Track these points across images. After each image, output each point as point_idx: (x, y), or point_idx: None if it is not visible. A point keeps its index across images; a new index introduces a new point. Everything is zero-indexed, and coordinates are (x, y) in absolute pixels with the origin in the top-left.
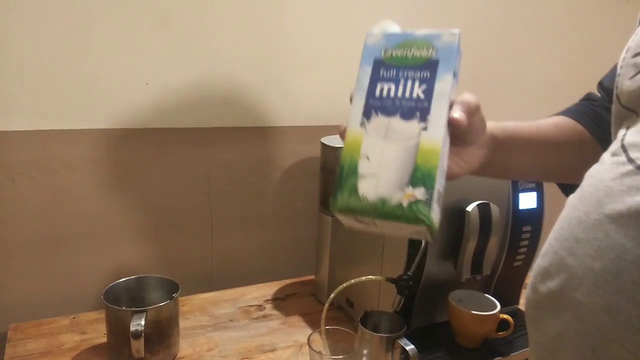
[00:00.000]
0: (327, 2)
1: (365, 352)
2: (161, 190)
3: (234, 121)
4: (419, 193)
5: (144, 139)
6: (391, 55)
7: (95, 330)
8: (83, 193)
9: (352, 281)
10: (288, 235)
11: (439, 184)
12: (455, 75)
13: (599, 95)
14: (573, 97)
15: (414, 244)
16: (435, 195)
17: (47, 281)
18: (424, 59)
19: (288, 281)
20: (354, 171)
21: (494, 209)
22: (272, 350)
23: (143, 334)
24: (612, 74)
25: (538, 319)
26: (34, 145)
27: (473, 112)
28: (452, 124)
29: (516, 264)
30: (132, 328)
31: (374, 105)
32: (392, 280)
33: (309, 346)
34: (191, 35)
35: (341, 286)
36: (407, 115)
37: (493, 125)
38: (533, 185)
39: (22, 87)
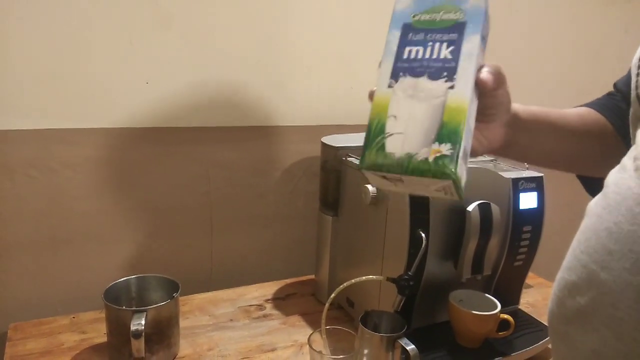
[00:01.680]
0: (329, 2)
1: (365, 352)
2: (161, 190)
3: (234, 121)
4: (445, 148)
5: (144, 139)
6: (420, 19)
7: (95, 330)
8: (83, 192)
9: (353, 281)
10: (288, 235)
11: (465, 141)
12: (483, 38)
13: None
14: (573, 97)
15: (414, 244)
16: (461, 151)
17: (47, 280)
18: (452, 21)
19: (288, 281)
20: (381, 130)
21: (495, 208)
22: (272, 350)
23: (143, 334)
24: (627, 77)
25: (567, 334)
26: (34, 144)
27: (500, 80)
28: (479, 84)
29: (517, 264)
30: (132, 328)
31: (402, 68)
32: (393, 280)
33: (310, 346)
34: (192, 35)
35: (342, 286)
36: (434, 75)
37: (517, 105)
38: (533, 185)
39: (22, 86)
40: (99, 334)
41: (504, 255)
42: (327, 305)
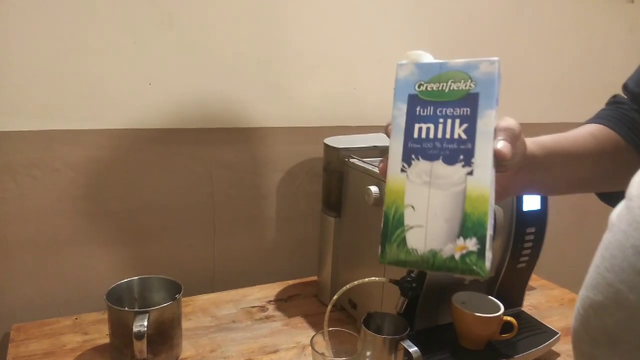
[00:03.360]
0: (331, 4)
1: (368, 353)
2: (164, 191)
3: (237, 122)
4: (471, 244)
5: (147, 140)
6: (426, 89)
7: (98, 331)
8: (86, 193)
9: (356, 282)
10: (290, 236)
11: (490, 228)
12: (496, 102)
13: (625, 97)
14: (576, 96)
15: None
16: (488, 242)
17: (50, 282)
18: (462, 92)
19: (291, 282)
20: (400, 221)
21: (498, 210)
22: (275, 351)
23: (146, 335)
24: (636, 76)
25: (593, 355)
26: (37, 145)
27: (517, 142)
28: (497, 156)
29: (520, 265)
30: (134, 329)
31: (414, 149)
32: (396, 282)
33: (312, 347)
34: (195, 36)
35: (344, 287)
36: (450, 159)
37: (531, 143)
38: None
39: (25, 87)
40: (102, 335)
41: (507, 257)
42: (329, 306)
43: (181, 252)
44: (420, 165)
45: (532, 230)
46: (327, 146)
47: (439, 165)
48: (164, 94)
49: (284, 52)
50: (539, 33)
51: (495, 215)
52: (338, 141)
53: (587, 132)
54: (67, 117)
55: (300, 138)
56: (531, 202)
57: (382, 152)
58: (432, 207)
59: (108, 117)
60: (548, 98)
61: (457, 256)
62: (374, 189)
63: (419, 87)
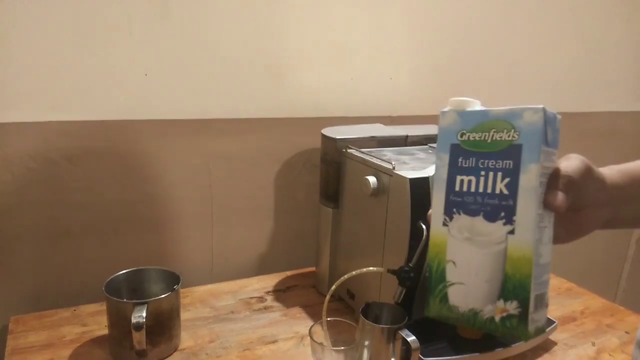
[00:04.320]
0: None
1: (366, 343)
2: (161, 182)
3: (234, 112)
4: (512, 307)
5: (143, 131)
6: (468, 139)
7: (97, 322)
8: (83, 185)
9: (354, 273)
10: (289, 227)
11: (537, 289)
12: (549, 145)
13: None
14: (574, 86)
15: (415, 236)
16: (531, 305)
17: (48, 273)
18: (505, 143)
19: (289, 273)
20: (442, 277)
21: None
22: (274, 341)
23: (144, 326)
24: None
25: None
26: (33, 137)
27: (577, 184)
28: (548, 206)
29: None
30: (133, 320)
31: (455, 203)
32: (394, 272)
33: (311, 337)
34: (191, 25)
35: (342, 278)
36: (491, 215)
37: (615, 174)
38: None
39: (21, 79)
40: (100, 327)
41: None
42: (328, 296)
43: (179, 243)
44: (462, 220)
45: None
46: (324, 137)
47: (480, 222)
48: (160, 85)
49: (281, 42)
50: (536, 24)
51: (548, 275)
52: (336, 132)
53: None
54: (63, 109)
55: (297, 129)
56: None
57: (379, 142)
58: (473, 266)
59: (104, 108)
60: (546, 89)
61: (497, 318)
62: (371, 179)
63: (461, 136)
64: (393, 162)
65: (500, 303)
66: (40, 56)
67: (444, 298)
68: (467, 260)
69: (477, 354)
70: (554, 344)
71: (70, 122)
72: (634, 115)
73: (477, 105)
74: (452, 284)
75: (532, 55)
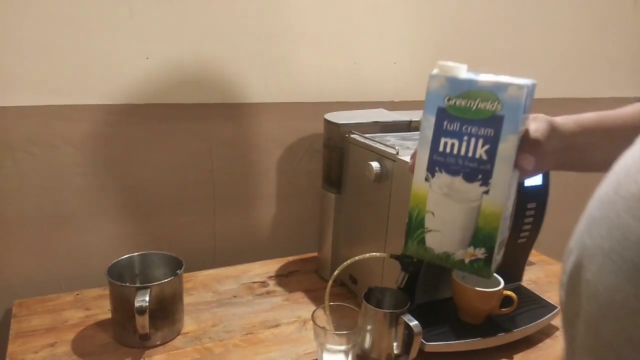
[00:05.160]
0: None
1: (369, 328)
2: (164, 167)
3: (236, 97)
4: (480, 252)
5: (145, 115)
6: (454, 104)
7: (100, 307)
8: (85, 169)
9: (357, 258)
10: (291, 212)
11: (501, 236)
12: (522, 124)
13: None
14: (580, 71)
15: None
16: (496, 250)
17: (51, 258)
18: (488, 112)
19: (291, 258)
20: (420, 223)
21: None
22: (276, 325)
23: (148, 310)
24: None
25: (562, 299)
26: (35, 121)
27: (543, 145)
28: (518, 168)
29: (520, 241)
30: (136, 304)
31: (438, 162)
32: (396, 257)
33: (313, 322)
34: (193, 9)
35: (345, 263)
36: (469, 177)
37: (569, 123)
38: None
39: (21, 62)
40: (103, 311)
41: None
42: (330, 281)
43: (182, 228)
44: (442, 178)
45: (533, 205)
46: (327, 122)
47: (459, 181)
48: (161, 69)
49: (284, 26)
50: (542, 8)
51: (509, 222)
52: (338, 117)
53: (636, 109)
54: (64, 93)
55: (300, 114)
56: (533, 178)
57: (382, 127)
58: (449, 217)
59: (106, 92)
60: (552, 73)
61: (466, 261)
62: (374, 164)
63: (448, 100)
64: (396, 147)
65: (470, 249)
66: (41, 40)
67: (422, 241)
68: (445, 213)
69: (478, 338)
70: (556, 328)
71: (71, 106)
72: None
73: (464, 71)
74: (430, 230)
75: (536, 40)
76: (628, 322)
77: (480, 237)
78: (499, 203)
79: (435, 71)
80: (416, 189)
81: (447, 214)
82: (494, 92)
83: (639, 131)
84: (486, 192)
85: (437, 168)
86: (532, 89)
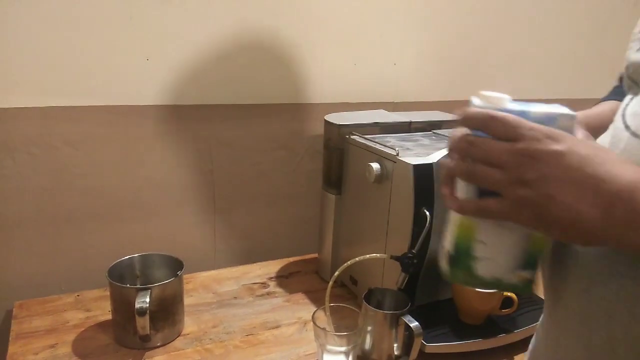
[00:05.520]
0: None
1: (369, 328)
2: (164, 168)
3: (237, 98)
4: (529, 274)
5: (146, 116)
6: None
7: (100, 308)
8: (85, 170)
9: (357, 259)
10: (291, 214)
11: None
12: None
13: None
14: (581, 71)
15: (418, 222)
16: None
17: (51, 259)
18: None
19: (291, 259)
20: (468, 252)
21: None
22: (277, 327)
23: (148, 311)
24: None
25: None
26: (35, 122)
27: None
28: None
29: None
30: (137, 305)
31: (487, 192)
32: (397, 258)
33: (314, 323)
34: (193, 10)
35: (346, 264)
36: None
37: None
38: None
39: (22, 64)
40: (104, 312)
41: None
42: (331, 282)
43: (182, 229)
44: None
45: None
46: (327, 123)
47: None
48: (162, 70)
49: (284, 28)
50: (542, 9)
51: None
52: (339, 118)
53: (609, 109)
54: (64, 94)
55: (300, 115)
56: None
57: (383, 128)
58: (502, 245)
59: (106, 93)
60: (553, 73)
61: (518, 283)
62: (375, 165)
63: None
64: (397, 149)
65: (520, 272)
66: (41, 41)
67: (470, 269)
68: (497, 241)
69: (479, 339)
70: None
71: (71, 107)
72: None
73: (508, 102)
74: (480, 259)
75: (537, 41)
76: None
77: (529, 259)
78: None
79: (477, 102)
80: (463, 220)
81: (500, 242)
82: (545, 123)
83: None
84: None
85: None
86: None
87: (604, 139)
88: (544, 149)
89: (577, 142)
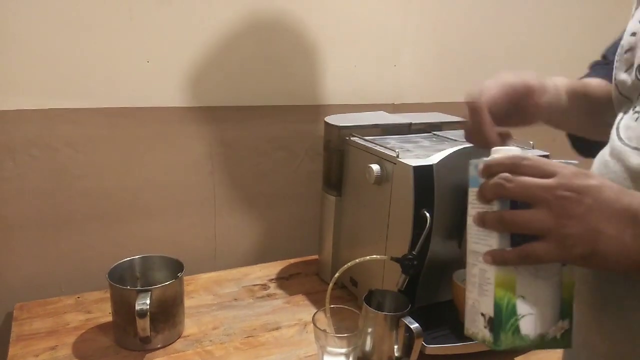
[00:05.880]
0: None
1: (369, 330)
2: (164, 169)
3: (237, 100)
4: (567, 323)
5: (146, 118)
6: None
7: (100, 310)
8: (86, 172)
9: (357, 260)
10: (291, 215)
11: None
12: None
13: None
14: (578, 70)
15: (419, 224)
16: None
17: (52, 261)
18: None
19: (292, 261)
20: (513, 312)
21: None
22: (277, 328)
23: (148, 313)
24: (614, 47)
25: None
26: (36, 124)
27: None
28: None
29: None
30: (137, 307)
31: (519, 243)
32: (397, 260)
33: (314, 324)
34: (193, 12)
35: (346, 265)
36: None
37: (562, 87)
38: None
39: (22, 66)
40: (104, 314)
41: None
42: (331, 284)
43: (182, 231)
44: None
45: None
46: (327, 124)
47: None
48: (162, 72)
49: (284, 29)
50: (542, 8)
51: None
52: (339, 119)
53: (601, 83)
54: (65, 96)
55: (300, 116)
56: None
57: (383, 130)
58: (540, 297)
59: (106, 95)
60: (552, 73)
61: (558, 336)
62: (375, 167)
63: None
64: (397, 150)
65: (560, 323)
66: (42, 43)
67: (516, 330)
68: (535, 293)
69: None
70: None
71: (72, 109)
72: None
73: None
74: (523, 316)
75: (536, 40)
76: None
77: (565, 308)
78: (573, 273)
79: (496, 154)
80: (502, 277)
81: (537, 294)
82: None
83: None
84: (563, 264)
85: None
86: None
87: (602, 152)
88: (584, 183)
89: (603, 178)
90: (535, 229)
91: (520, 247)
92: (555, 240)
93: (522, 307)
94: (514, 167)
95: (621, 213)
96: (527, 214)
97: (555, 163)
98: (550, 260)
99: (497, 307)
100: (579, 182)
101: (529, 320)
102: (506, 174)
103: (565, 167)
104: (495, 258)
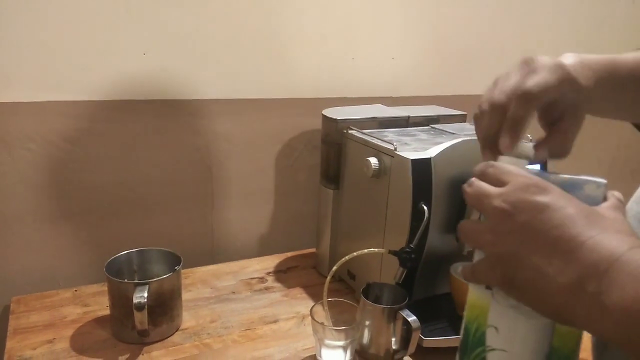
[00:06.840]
0: None
1: (367, 323)
2: (162, 163)
3: (234, 93)
4: None
5: (143, 111)
6: None
7: (98, 303)
8: (83, 166)
9: (355, 254)
10: (289, 208)
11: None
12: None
13: None
14: None
15: (416, 217)
16: None
17: (49, 254)
18: None
19: (289, 254)
20: (481, 340)
21: None
22: (275, 321)
23: (146, 306)
24: None
25: None
26: (31, 117)
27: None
28: None
29: None
30: (135, 300)
31: None
32: (395, 253)
33: (312, 317)
34: (190, 4)
35: (344, 258)
36: None
37: (588, 76)
38: None
39: (17, 59)
40: (102, 307)
41: None
42: (329, 277)
43: (180, 224)
44: None
45: None
46: (325, 117)
47: None
48: (159, 65)
49: (281, 22)
50: (540, 4)
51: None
52: (336, 112)
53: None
54: (61, 89)
55: (298, 110)
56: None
57: (381, 123)
58: (519, 334)
59: (103, 88)
60: None
61: None
62: (373, 160)
63: None
64: (395, 143)
65: None
66: (37, 36)
67: None
68: (512, 329)
69: None
70: None
71: (68, 102)
72: None
73: (531, 150)
74: (493, 349)
75: (534, 36)
76: None
77: (556, 359)
78: None
79: (505, 158)
80: (475, 299)
81: (515, 330)
82: (567, 189)
83: None
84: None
85: None
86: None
87: None
88: (526, 198)
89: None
90: (475, 241)
91: (472, 263)
92: (486, 259)
93: (492, 339)
94: (480, 173)
95: (557, 241)
96: (471, 225)
97: (519, 172)
98: (482, 282)
99: (466, 329)
100: (522, 196)
101: (499, 356)
102: (472, 179)
103: (527, 177)
104: (464, 272)
